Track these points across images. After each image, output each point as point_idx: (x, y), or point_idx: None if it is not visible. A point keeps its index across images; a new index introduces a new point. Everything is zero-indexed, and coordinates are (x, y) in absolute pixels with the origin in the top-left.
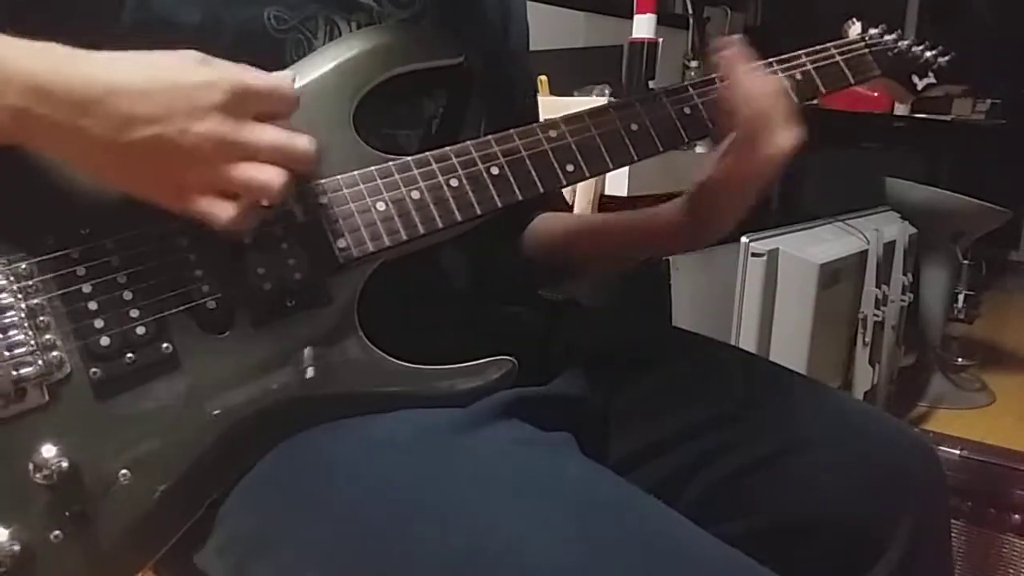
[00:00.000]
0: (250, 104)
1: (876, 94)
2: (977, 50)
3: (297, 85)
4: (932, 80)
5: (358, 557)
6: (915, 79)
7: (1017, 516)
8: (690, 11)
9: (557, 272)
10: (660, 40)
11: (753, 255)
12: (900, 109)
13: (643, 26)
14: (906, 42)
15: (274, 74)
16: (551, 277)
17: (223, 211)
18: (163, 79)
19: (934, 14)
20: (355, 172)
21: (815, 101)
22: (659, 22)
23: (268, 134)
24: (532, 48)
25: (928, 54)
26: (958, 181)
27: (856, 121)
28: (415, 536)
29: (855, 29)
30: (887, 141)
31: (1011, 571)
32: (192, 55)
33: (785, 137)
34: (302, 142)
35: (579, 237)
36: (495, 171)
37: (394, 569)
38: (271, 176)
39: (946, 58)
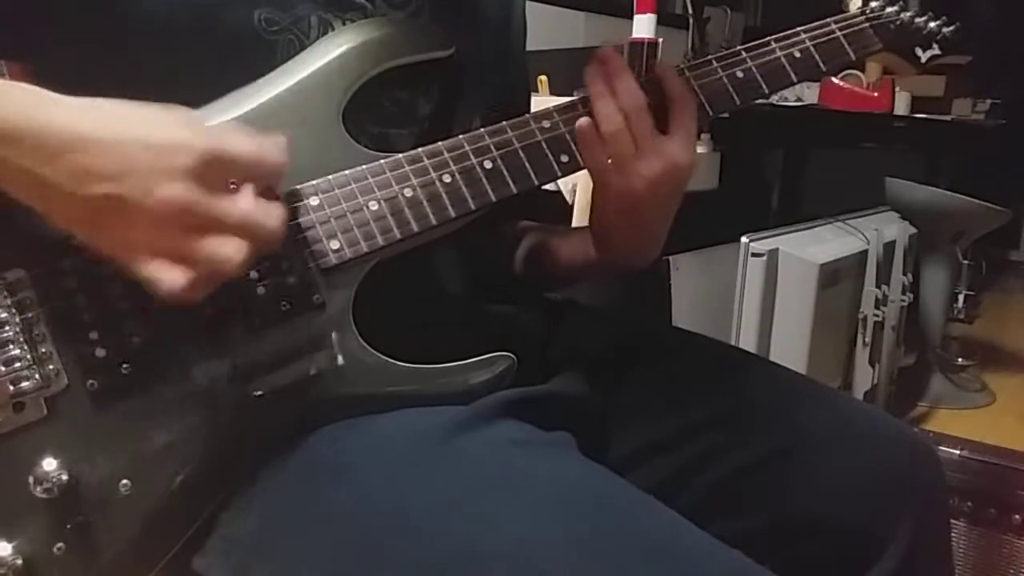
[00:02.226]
0: (225, 171)
1: (876, 94)
2: (977, 50)
3: (286, 84)
4: (936, 51)
5: (355, 558)
6: (919, 52)
7: (1017, 516)
8: (690, 11)
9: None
10: (660, 40)
11: (753, 255)
12: (900, 109)
13: (643, 26)
14: (908, 13)
15: (265, 141)
16: (537, 283)
17: (172, 279)
18: (133, 134)
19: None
20: (347, 172)
21: (816, 103)
22: (659, 22)
23: (238, 208)
24: (532, 48)
25: (932, 25)
26: (958, 181)
27: (856, 121)
28: (411, 537)
29: (855, 2)
30: (887, 141)
31: (1011, 571)
32: (177, 113)
33: (648, 165)
34: (273, 220)
35: (536, 254)
36: (488, 165)
37: (390, 570)
38: (231, 252)
39: (951, 28)
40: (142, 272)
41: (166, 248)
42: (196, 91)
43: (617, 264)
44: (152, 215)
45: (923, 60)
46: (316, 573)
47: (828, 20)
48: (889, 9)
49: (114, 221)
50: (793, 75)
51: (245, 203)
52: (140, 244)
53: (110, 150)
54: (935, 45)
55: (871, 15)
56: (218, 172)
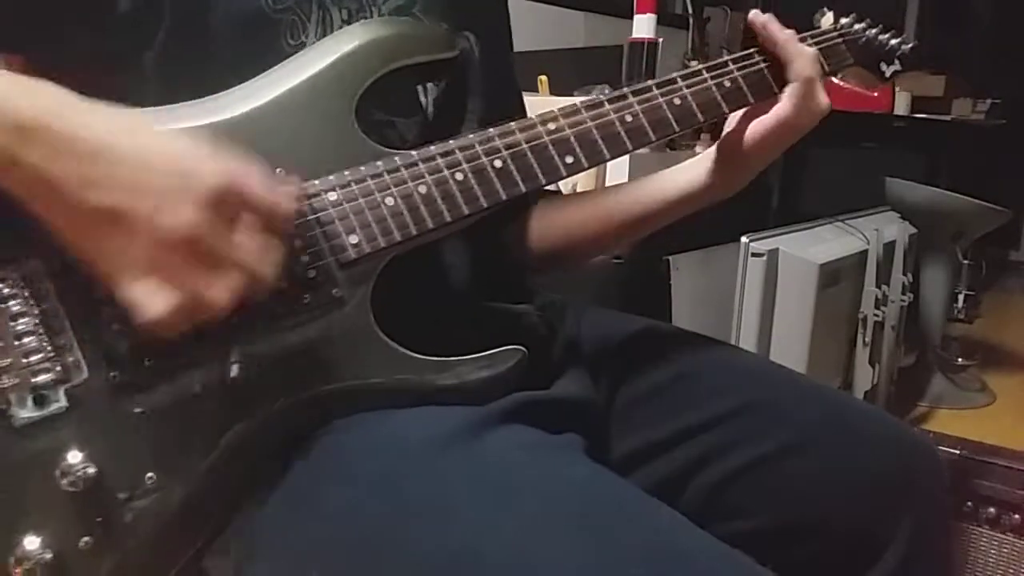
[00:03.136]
0: (239, 208)
1: (876, 94)
2: (977, 50)
3: (301, 78)
4: (898, 67)
5: (356, 558)
6: (883, 66)
7: (1017, 516)
8: (690, 11)
9: (563, 257)
10: (660, 40)
11: (753, 255)
12: (900, 109)
13: (643, 26)
14: (874, 30)
15: (283, 190)
16: (555, 263)
17: (156, 303)
18: (157, 152)
19: (934, 14)
20: (362, 168)
21: None
22: (659, 22)
23: (240, 251)
24: (532, 48)
25: (893, 41)
26: (958, 181)
27: (856, 121)
28: (413, 537)
29: (827, 19)
30: (887, 141)
31: (1010, 571)
32: (206, 143)
33: (824, 96)
34: (269, 268)
35: (590, 212)
36: (498, 164)
37: (391, 570)
38: (221, 290)
39: (909, 46)
40: (126, 290)
41: (159, 270)
42: (201, 66)
43: (721, 193)
44: (156, 236)
45: (887, 75)
46: (317, 572)
47: (805, 35)
48: (857, 26)
49: (112, 234)
50: (775, 87)
51: (249, 246)
52: (133, 262)
53: (129, 163)
54: (897, 61)
55: (843, 31)
56: (232, 207)
